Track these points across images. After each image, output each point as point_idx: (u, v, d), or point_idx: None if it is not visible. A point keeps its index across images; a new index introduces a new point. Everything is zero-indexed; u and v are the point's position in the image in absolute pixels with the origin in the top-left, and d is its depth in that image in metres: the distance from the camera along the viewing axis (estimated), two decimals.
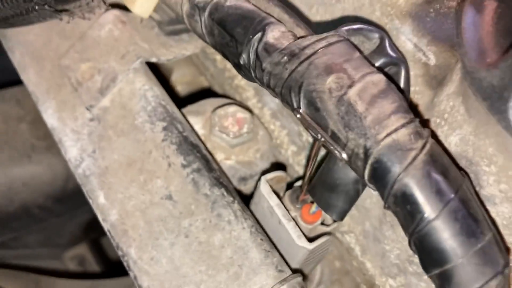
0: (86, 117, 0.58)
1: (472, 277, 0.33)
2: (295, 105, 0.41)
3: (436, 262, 0.35)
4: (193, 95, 0.91)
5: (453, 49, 0.45)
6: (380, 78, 0.39)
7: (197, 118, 0.62)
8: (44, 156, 0.85)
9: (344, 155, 0.38)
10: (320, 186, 0.48)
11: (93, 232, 1.03)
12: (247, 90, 0.68)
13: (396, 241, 0.51)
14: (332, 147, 0.38)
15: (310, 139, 0.61)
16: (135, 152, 0.54)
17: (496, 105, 0.35)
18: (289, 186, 0.57)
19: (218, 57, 0.70)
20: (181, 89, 0.93)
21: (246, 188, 0.60)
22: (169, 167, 0.52)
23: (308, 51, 0.41)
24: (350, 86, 0.38)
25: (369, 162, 0.36)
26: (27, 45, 0.66)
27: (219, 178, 0.51)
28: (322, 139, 0.39)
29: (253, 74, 0.46)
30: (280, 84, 0.42)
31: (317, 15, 0.56)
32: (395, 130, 0.36)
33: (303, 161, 0.62)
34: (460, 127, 0.42)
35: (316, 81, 0.39)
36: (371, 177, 0.36)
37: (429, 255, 0.35)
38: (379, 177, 0.36)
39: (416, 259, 0.48)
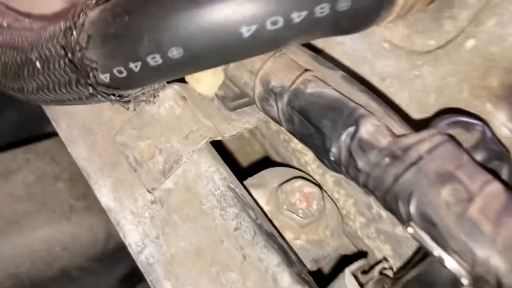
0: (147, 199, 0.55)
1: None
2: (403, 216, 0.37)
3: None
4: (242, 152, 0.86)
5: None
6: (498, 188, 0.36)
7: (260, 192, 0.59)
8: (84, 216, 0.81)
9: (467, 278, 0.35)
10: (415, 284, 0.45)
11: (129, 282, 1.00)
12: (306, 154, 0.65)
13: None
14: (453, 267, 0.35)
15: (382, 212, 0.58)
16: (205, 240, 0.51)
17: None
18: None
19: None
20: (232, 148, 0.88)
21: (317, 267, 0.57)
22: (244, 260, 0.49)
23: (413, 154, 0.38)
24: (470, 200, 0.35)
25: None
26: (75, 117, 0.62)
27: (301, 274, 0.48)
28: (439, 256, 0.36)
29: (344, 170, 0.43)
30: (383, 189, 0.39)
31: (391, 88, 0.53)
32: None
33: (373, 235, 0.59)
34: None
35: (429, 192, 0.36)
36: None
37: None
38: None
39: None
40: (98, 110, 0.60)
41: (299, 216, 0.55)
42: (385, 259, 0.54)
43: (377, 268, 0.52)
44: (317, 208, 0.56)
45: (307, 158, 0.65)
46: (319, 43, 0.56)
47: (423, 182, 0.37)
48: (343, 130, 0.42)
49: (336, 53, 0.56)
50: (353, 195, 0.60)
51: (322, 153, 0.44)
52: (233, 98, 0.54)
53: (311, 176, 0.63)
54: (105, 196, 0.58)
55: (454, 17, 0.48)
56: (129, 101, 0.49)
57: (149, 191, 0.55)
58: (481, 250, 0.34)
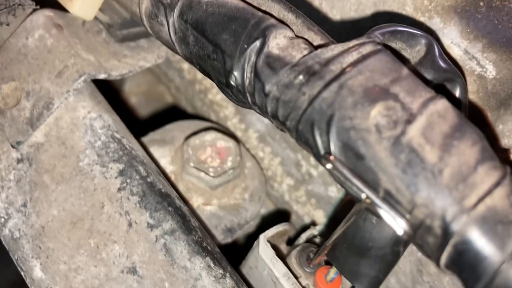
0: (12, 157, 0.43)
1: None
2: (321, 148, 0.27)
3: None
4: (151, 107, 0.77)
5: None
6: (446, 105, 0.27)
7: (164, 150, 0.47)
8: None
9: (405, 226, 0.25)
10: (344, 249, 0.35)
11: None
12: (225, 107, 0.54)
13: None
14: (384, 213, 0.26)
15: (312, 170, 0.48)
16: (82, 206, 0.40)
17: None
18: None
19: (186, 65, 0.56)
20: (137, 101, 0.79)
21: (232, 237, 0.46)
22: (130, 227, 0.38)
23: (335, 68, 0.28)
24: (408, 121, 0.25)
25: (451, 241, 0.23)
26: None
27: (202, 242, 0.37)
28: (367, 200, 0.26)
29: (249, 99, 0.32)
30: (296, 117, 0.29)
31: (319, 11, 0.43)
32: (489, 191, 0.23)
33: (303, 198, 0.49)
34: None
35: (354, 113, 0.26)
36: (452, 261, 0.24)
37: None
38: (468, 264, 0.24)
39: None
40: None
41: (209, 175, 0.44)
42: (313, 224, 0.44)
43: (304, 236, 0.42)
44: (232, 165, 0.45)
45: (227, 111, 0.54)
46: None
47: (346, 102, 0.27)
48: (247, 44, 0.31)
49: None
50: (280, 153, 0.50)
51: (222, 78, 0.33)
52: (122, 26, 0.43)
53: (231, 132, 0.52)
54: None
55: None
56: None
57: (13, 147, 0.42)
58: (422, 186, 0.24)
